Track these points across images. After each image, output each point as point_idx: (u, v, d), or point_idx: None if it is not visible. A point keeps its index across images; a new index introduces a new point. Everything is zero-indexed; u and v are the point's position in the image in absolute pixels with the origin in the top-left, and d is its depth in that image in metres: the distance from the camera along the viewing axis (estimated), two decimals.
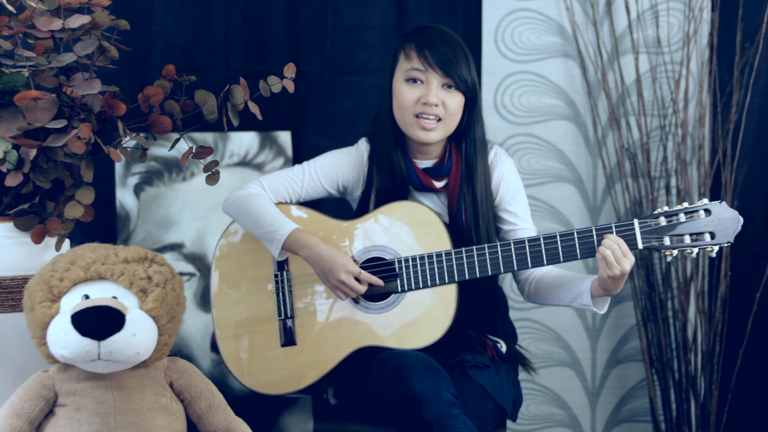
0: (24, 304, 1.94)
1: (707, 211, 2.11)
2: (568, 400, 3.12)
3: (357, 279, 2.23)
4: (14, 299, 2.06)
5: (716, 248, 2.10)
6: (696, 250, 2.10)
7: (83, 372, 1.92)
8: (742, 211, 2.99)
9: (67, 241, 2.17)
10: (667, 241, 2.11)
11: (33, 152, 2.03)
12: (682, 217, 2.11)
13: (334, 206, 2.57)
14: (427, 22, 2.94)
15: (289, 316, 2.31)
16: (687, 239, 2.10)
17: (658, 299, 3.01)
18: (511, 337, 2.41)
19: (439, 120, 2.26)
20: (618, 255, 2.09)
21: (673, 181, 3.03)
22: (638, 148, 3.03)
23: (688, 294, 3.00)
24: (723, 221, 2.09)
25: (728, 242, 2.10)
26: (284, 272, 2.33)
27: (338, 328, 2.29)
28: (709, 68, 3.00)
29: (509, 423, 2.38)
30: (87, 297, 1.88)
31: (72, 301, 1.88)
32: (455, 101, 2.27)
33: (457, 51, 2.26)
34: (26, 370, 2.00)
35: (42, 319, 1.87)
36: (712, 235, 2.09)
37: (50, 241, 2.14)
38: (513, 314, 2.49)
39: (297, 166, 2.38)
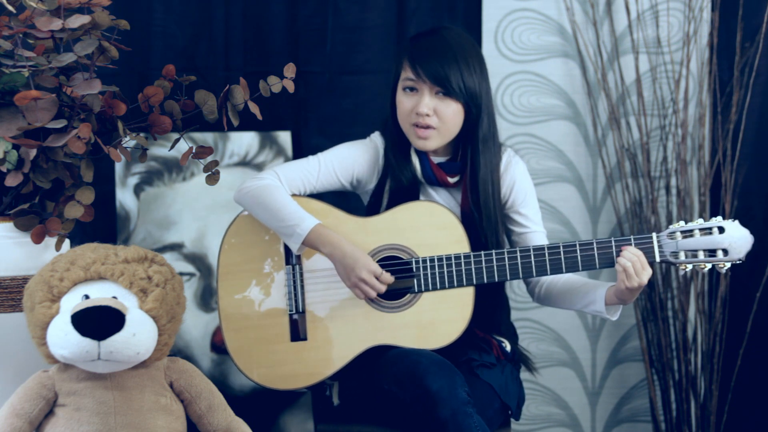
0: (24, 304, 1.95)
1: (720, 229, 2.20)
2: (568, 400, 3.12)
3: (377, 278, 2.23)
4: (14, 299, 2.06)
5: (728, 264, 2.20)
6: (709, 265, 2.20)
7: (83, 372, 1.92)
8: (742, 211, 3.01)
9: (67, 241, 2.17)
10: (682, 255, 2.20)
11: (33, 152, 2.03)
12: (697, 233, 2.20)
13: (334, 198, 2.56)
14: (427, 22, 2.95)
15: (300, 310, 2.30)
16: (701, 255, 2.20)
17: (658, 299, 3.01)
18: (512, 337, 2.42)
19: (433, 128, 2.28)
20: (638, 267, 2.17)
21: (673, 181, 3.03)
22: (638, 148, 3.03)
23: (688, 294, 3.00)
24: (735, 239, 2.19)
25: (740, 259, 2.20)
26: (296, 266, 2.32)
27: (351, 325, 2.28)
28: (709, 68, 3.00)
29: (511, 422, 2.38)
30: (87, 297, 1.88)
31: (72, 301, 1.88)
32: (450, 109, 2.27)
33: (449, 58, 2.25)
34: (26, 370, 2.00)
35: (42, 319, 1.88)
36: (725, 252, 2.19)
37: (50, 241, 2.14)
38: (513, 314, 2.49)
39: (312, 157, 2.37)
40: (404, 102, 2.31)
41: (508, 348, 2.35)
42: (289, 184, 2.33)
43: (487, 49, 3.03)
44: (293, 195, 2.32)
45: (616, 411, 3.14)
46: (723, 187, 2.98)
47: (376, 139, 2.41)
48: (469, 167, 2.33)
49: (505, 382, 2.26)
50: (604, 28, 3.04)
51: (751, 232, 2.21)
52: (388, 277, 2.23)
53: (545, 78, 3.05)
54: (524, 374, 2.46)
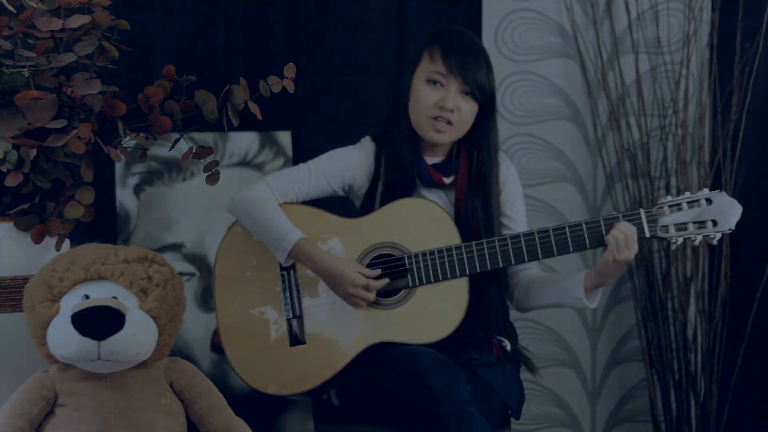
0: (24, 304, 1.94)
1: (708, 201, 2.20)
2: (568, 400, 3.12)
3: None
4: (14, 299, 2.06)
5: (718, 235, 2.20)
6: (700, 237, 2.20)
7: (83, 372, 1.92)
8: (742, 211, 3.00)
9: (67, 241, 2.17)
10: (672, 230, 2.21)
11: (33, 152, 2.03)
12: (685, 206, 2.21)
13: (331, 201, 2.56)
14: (427, 22, 2.96)
15: (297, 315, 2.31)
16: (691, 227, 2.21)
17: (658, 299, 3.01)
18: (513, 336, 2.42)
19: (451, 124, 2.31)
20: (630, 241, 2.19)
21: (673, 181, 3.03)
22: (638, 148, 3.03)
23: (688, 294, 3.00)
24: (724, 209, 2.20)
25: (730, 229, 2.20)
26: (291, 271, 2.33)
27: (349, 325, 2.29)
28: (709, 68, 3.00)
29: (511, 421, 2.39)
30: (87, 297, 1.88)
31: (72, 301, 1.88)
32: (469, 107, 2.32)
33: (480, 60, 2.32)
34: (26, 370, 2.00)
35: (42, 319, 1.87)
36: (714, 223, 2.20)
37: (50, 241, 2.14)
38: (513, 314, 2.49)
39: (303, 165, 2.39)
40: (427, 94, 2.32)
41: (509, 347, 2.36)
42: (281, 193, 2.34)
43: (487, 49, 2.99)
44: (285, 204, 2.33)
45: (616, 411, 3.14)
46: (723, 187, 2.98)
47: (366, 143, 2.43)
48: (477, 174, 2.36)
49: (506, 382, 2.27)
50: (604, 28, 3.04)
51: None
52: (377, 284, 2.25)
53: (545, 78, 3.05)
54: (524, 374, 2.46)
